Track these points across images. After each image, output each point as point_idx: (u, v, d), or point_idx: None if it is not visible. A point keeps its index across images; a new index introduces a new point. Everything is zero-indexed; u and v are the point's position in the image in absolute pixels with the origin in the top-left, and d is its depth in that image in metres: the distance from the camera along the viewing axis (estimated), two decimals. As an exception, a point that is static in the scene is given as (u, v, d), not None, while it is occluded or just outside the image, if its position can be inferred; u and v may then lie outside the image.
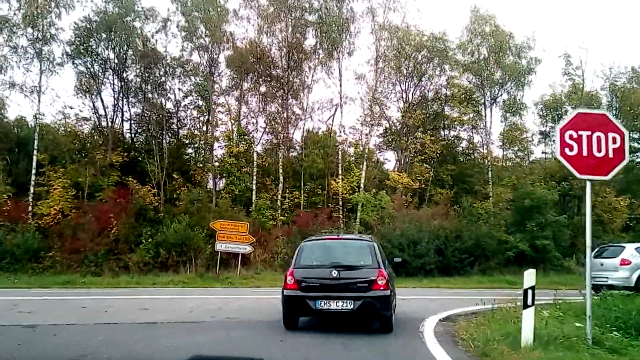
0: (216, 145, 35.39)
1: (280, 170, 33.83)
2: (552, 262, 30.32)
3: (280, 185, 33.57)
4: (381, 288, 9.23)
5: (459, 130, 42.96)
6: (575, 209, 34.03)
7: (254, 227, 28.85)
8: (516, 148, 45.09)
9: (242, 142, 34.58)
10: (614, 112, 43.04)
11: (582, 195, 33.47)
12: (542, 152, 46.71)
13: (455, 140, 42.97)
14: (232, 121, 35.33)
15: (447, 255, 28.27)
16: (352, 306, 9.18)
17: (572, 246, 31.81)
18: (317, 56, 36.25)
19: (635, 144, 43.72)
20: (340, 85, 35.69)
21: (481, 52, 41.46)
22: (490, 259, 29.39)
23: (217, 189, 33.13)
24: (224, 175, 33.12)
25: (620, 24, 67.18)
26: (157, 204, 29.98)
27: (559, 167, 35.63)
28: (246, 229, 25.53)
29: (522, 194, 31.87)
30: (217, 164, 34.06)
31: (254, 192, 32.47)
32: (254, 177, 32.82)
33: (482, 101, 41.52)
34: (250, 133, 35.84)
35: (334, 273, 9.39)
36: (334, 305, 9.24)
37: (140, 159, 32.84)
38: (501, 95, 41.86)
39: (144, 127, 35.54)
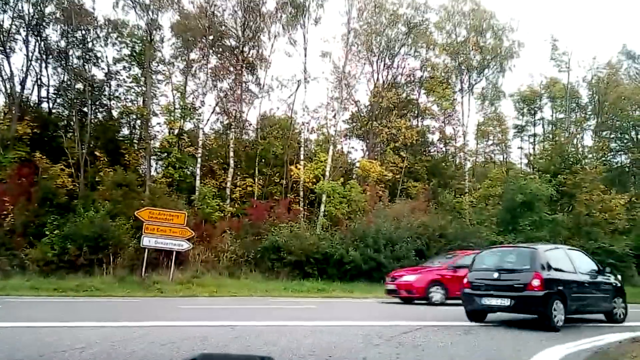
0: (155, 121, 29.55)
1: (231, 154, 28.41)
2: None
3: (231, 170, 28.12)
4: (535, 289, 9.60)
5: (434, 119, 38.72)
6: (569, 207, 29.74)
7: (195, 220, 23.39)
8: (490, 142, 41.52)
9: (187, 119, 28.84)
10: (594, 106, 39.81)
11: (575, 192, 29.57)
12: (518, 147, 43.40)
13: (430, 130, 38.63)
14: (175, 92, 29.52)
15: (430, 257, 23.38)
16: (508, 303, 9.85)
17: (567, 249, 27.51)
18: (278, 21, 30.78)
19: (614, 144, 40.74)
20: (305, 56, 30.41)
21: (459, 33, 37.50)
22: (478, 262, 24.62)
23: (153, 172, 27.37)
24: (162, 156, 27.36)
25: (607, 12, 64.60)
26: (74, 187, 23.96)
27: (548, 161, 31.72)
28: (183, 219, 19.94)
29: (513, 188, 27.40)
30: (154, 143, 28.27)
31: (197, 178, 26.86)
32: (199, 160, 27.21)
33: (459, 87, 37.47)
34: (198, 109, 30.16)
35: (495, 275, 10.35)
36: (494, 302, 10.04)
37: (56, 133, 26.66)
38: (480, 80, 37.85)
39: (64, 97, 29.21)
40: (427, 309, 13.94)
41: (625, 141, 41.31)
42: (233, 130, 29.77)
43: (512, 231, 26.45)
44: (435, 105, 37.26)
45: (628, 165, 40.99)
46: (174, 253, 19.58)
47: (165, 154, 27.24)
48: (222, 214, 25.59)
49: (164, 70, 30.26)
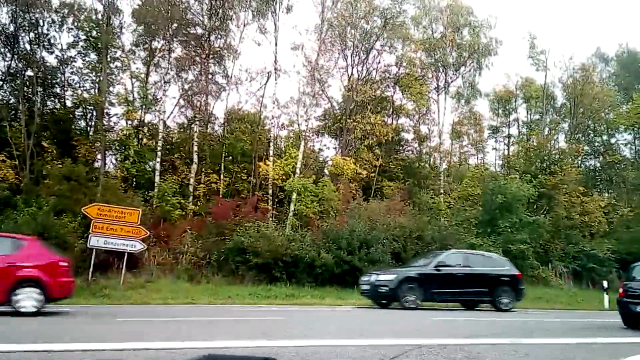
0: (112, 112, 27.31)
1: (195, 149, 26.44)
2: (526, 271, 24.66)
3: (194, 166, 26.15)
4: None
5: (409, 117, 37.38)
6: (546, 209, 28.61)
7: (153, 218, 21.41)
8: (466, 142, 40.50)
9: (146, 109, 26.76)
10: (569, 108, 39.05)
11: (554, 194, 28.54)
12: (493, 149, 42.43)
13: (404, 129, 37.28)
14: (134, 80, 27.35)
15: (407, 261, 21.81)
16: None
17: (546, 253, 26.42)
18: (247, 8, 28.88)
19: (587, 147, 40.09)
20: (276, 45, 28.59)
21: (436, 29, 36.29)
22: (456, 267, 23.20)
23: (110, 166, 25.21)
24: (118, 148, 25.20)
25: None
26: (17, 180, 21.65)
27: (527, 161, 30.67)
28: (137, 217, 17.91)
29: (492, 189, 26.12)
30: (111, 135, 26.07)
31: (157, 173, 24.78)
32: (159, 154, 25.14)
33: (435, 85, 36.25)
34: (159, 101, 28.07)
35: None
36: None
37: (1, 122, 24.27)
38: (456, 78, 36.70)
39: (12, 84, 26.74)
40: (404, 315, 12.33)
41: (596, 144, 40.75)
42: (197, 123, 27.80)
43: (491, 233, 25.20)
44: (411, 103, 35.97)
45: (598, 169, 40.44)
46: (126, 255, 17.54)
47: (122, 146, 25.07)
48: (183, 213, 23.61)
49: (122, 57, 28.00)
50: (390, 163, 32.75)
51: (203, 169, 27.38)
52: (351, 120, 29.52)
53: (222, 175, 27.37)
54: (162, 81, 29.13)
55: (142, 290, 16.81)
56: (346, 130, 29.57)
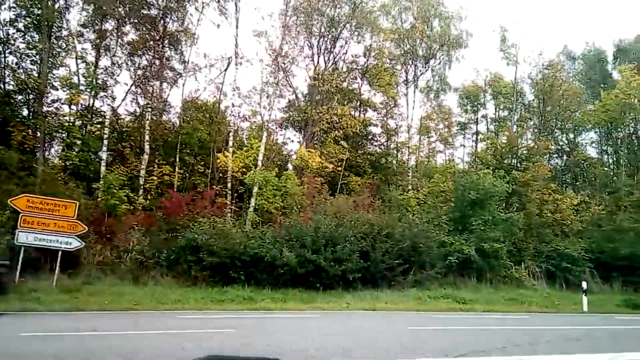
0: (56, 96, 24.78)
1: (147, 138, 24.25)
2: (499, 271, 23.48)
3: (145, 157, 23.98)
4: None
5: (376, 111, 35.90)
6: (516, 206, 27.41)
7: (96, 212, 19.25)
8: (434, 138, 39.31)
9: (92, 94, 24.41)
10: (538, 105, 38.26)
11: (525, 191, 27.46)
12: (461, 145, 41.39)
13: (372, 123, 35.79)
14: (79, 61, 24.94)
15: (375, 260, 20.27)
16: None
17: (519, 252, 25.28)
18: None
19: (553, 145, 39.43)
20: (237, 27, 26.60)
21: (406, 19, 34.97)
22: (427, 266, 21.75)
23: (48, 154, 22.78)
24: (59, 135, 22.82)
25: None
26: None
27: (500, 157, 29.56)
28: (73, 211, 15.75)
29: (464, 185, 24.80)
30: (53, 121, 23.60)
31: (103, 164, 22.53)
32: (105, 143, 22.89)
33: (404, 78, 34.93)
34: (109, 86, 25.76)
35: None
36: None
37: None
38: (426, 71, 35.46)
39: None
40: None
41: (561, 144, 40.16)
42: (150, 111, 25.60)
43: (464, 231, 23.88)
44: (379, 96, 34.59)
45: (563, 167, 39.86)
46: (60, 253, 15.37)
47: (65, 133, 22.70)
48: (131, 207, 21.42)
49: (67, 37, 25.50)
50: (358, 157, 31.20)
51: (156, 160, 25.24)
52: (317, 111, 27.77)
53: (177, 168, 25.33)
54: (113, 65, 26.88)
55: (78, 294, 14.65)
56: (311, 122, 27.82)
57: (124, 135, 26.01)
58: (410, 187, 30.49)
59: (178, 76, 28.65)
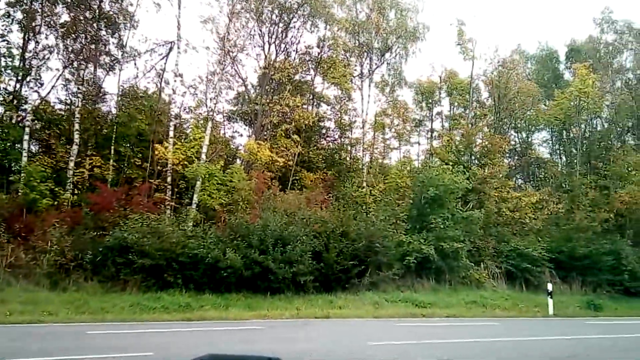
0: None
1: (77, 127, 21.82)
2: (458, 272, 22.24)
3: (75, 148, 21.53)
4: None
5: (330, 106, 34.38)
6: (478, 203, 26.33)
7: (12, 208, 16.92)
8: (389, 134, 38.07)
9: (18, 78, 21.85)
10: (493, 103, 37.62)
11: (483, 188, 26.46)
12: (416, 142, 40.34)
13: (325, 118, 34.23)
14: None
15: (329, 261, 18.60)
16: None
17: (478, 252, 24.16)
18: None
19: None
20: (179, 8, 24.42)
21: (361, 10, 33.55)
22: (384, 268, 20.24)
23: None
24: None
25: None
26: None
27: (457, 152, 28.51)
28: (-25, 204, 13.39)
29: (422, 181, 23.49)
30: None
31: (24, 154, 20.01)
32: (27, 131, 20.36)
33: (359, 72, 33.51)
34: (36, 69, 23.23)
35: None
36: None
37: None
38: (381, 64, 34.15)
39: None
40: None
41: (514, 143, 39.75)
42: (80, 97, 23.18)
43: (422, 230, 22.52)
44: (333, 89, 33.06)
45: (517, 166, 39.48)
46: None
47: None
48: (55, 202, 19.01)
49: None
50: (310, 152, 29.53)
51: (88, 152, 22.85)
52: (267, 101, 25.91)
53: (111, 160, 23.01)
54: (43, 49, 24.38)
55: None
56: (261, 113, 25.93)
57: (51, 123, 23.44)
58: (365, 184, 29.08)
59: (115, 62, 26.33)
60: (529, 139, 40.93)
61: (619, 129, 37.70)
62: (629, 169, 31.30)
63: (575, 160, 35.47)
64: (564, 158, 40.77)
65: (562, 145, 40.91)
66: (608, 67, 38.41)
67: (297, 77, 31.10)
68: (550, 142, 42.28)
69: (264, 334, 10.60)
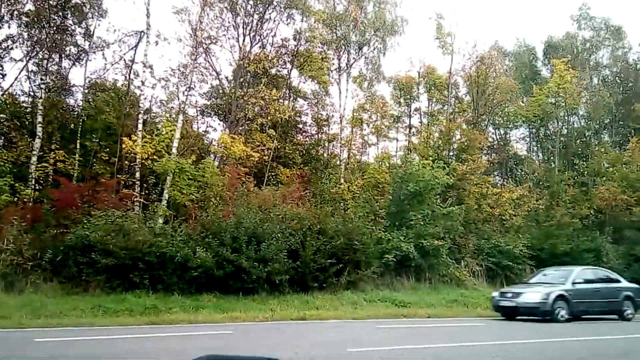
0: None
1: (40, 120, 20.69)
2: (439, 270, 21.69)
3: (38, 141, 20.40)
4: None
5: (307, 100, 33.59)
6: (458, 199, 25.82)
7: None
8: (367, 130, 37.43)
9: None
10: (471, 99, 37.25)
11: (462, 184, 26.01)
12: (394, 138, 39.78)
13: (302, 113, 33.43)
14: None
15: (305, 259, 17.82)
16: None
17: (458, 249, 23.65)
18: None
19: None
20: (149, -5, 23.31)
21: (339, 2, 32.82)
22: (363, 266, 19.53)
23: None
24: None
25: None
26: None
27: (437, 147, 28.00)
28: None
29: (402, 176, 22.89)
30: None
31: (-19, 148, 18.85)
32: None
33: (336, 66, 32.78)
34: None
35: None
36: None
37: None
38: (359, 58, 33.49)
39: None
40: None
41: (491, 139, 39.48)
42: (44, 89, 22.04)
43: (401, 227, 21.90)
44: (310, 83, 32.29)
45: (495, 163, 39.26)
46: None
47: None
48: (16, 198, 17.90)
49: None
50: (287, 148, 28.71)
51: (52, 146, 21.71)
52: (242, 94, 25.00)
53: (77, 155, 21.92)
54: (6, 39, 23.24)
55: None
56: (235, 106, 25.01)
57: (14, 116, 22.25)
58: (343, 180, 28.39)
59: (82, 52, 25.20)
60: (507, 136, 40.78)
61: (596, 125, 37.64)
62: (607, 166, 31.24)
63: (552, 157, 35.37)
64: (541, 155, 40.79)
65: (540, 142, 40.85)
66: (585, 63, 38.42)
67: (273, 70, 30.31)
68: (528, 139, 42.25)
69: (233, 339, 9.75)
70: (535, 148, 41.97)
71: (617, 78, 39.81)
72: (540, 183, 32.40)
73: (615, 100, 36.83)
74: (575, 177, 31.31)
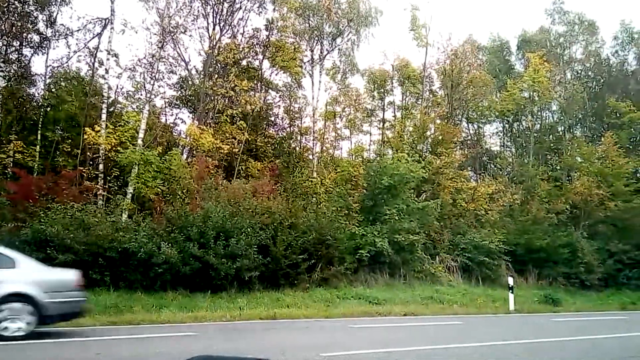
0: None
1: (-3, 109, 19.63)
2: (414, 266, 21.28)
3: (-6, 132, 19.33)
4: None
5: (279, 93, 32.84)
6: (432, 194, 25.45)
7: None
8: (340, 124, 36.88)
9: None
10: (446, 93, 36.97)
11: (437, 178, 25.65)
12: (367, 133, 39.32)
13: (274, 105, 32.70)
14: None
15: (276, 255, 17.21)
16: None
17: (433, 244, 23.29)
18: None
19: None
20: (113, -20, 22.32)
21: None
22: (335, 262, 18.98)
23: None
24: None
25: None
26: None
27: (412, 140, 27.60)
28: None
29: (376, 170, 22.40)
30: None
31: None
32: None
33: (309, 58, 32.11)
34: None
35: None
36: None
37: None
38: (332, 50, 32.86)
39: None
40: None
41: (465, 135, 39.35)
42: (3, 77, 20.97)
43: (375, 221, 21.41)
44: (282, 75, 31.55)
45: (470, 157, 39.15)
46: None
47: None
48: (-32, 192, 16.87)
49: None
50: (258, 140, 27.97)
51: (11, 137, 20.62)
52: (211, 84, 24.16)
53: (37, 146, 20.89)
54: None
55: None
56: (204, 96, 24.17)
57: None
58: (315, 173, 27.82)
59: (44, 40, 24.09)
60: (481, 131, 40.65)
61: (570, 120, 37.74)
62: (581, 161, 31.24)
63: (526, 152, 35.34)
64: (514, 150, 40.79)
65: (513, 138, 40.85)
66: (559, 58, 38.47)
67: (244, 62, 29.53)
68: (502, 134, 42.21)
69: (194, 342, 9.09)
70: (508, 143, 41.97)
71: (590, 73, 39.95)
72: (515, 178, 32.34)
73: (589, 96, 36.93)
74: (549, 172, 31.24)
